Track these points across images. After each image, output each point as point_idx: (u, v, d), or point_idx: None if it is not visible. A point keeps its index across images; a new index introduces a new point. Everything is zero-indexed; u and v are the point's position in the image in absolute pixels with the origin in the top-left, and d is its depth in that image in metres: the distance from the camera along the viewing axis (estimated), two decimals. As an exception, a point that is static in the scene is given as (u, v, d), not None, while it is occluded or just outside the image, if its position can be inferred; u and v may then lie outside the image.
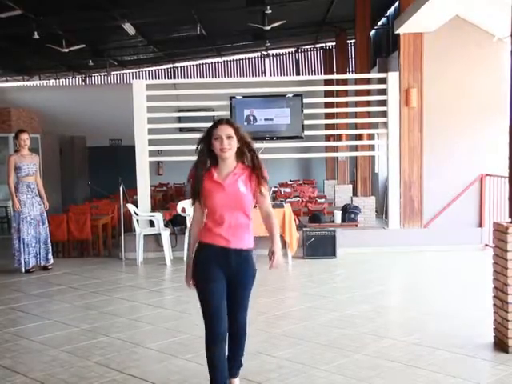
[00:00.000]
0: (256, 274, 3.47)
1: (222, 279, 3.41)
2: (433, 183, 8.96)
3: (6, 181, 7.98)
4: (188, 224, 8.38)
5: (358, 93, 11.19)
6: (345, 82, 12.42)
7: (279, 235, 3.56)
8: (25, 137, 7.95)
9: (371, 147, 11.51)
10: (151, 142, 9.13)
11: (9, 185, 7.88)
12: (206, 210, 3.45)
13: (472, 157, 9.09)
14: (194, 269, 3.45)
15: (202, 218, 3.49)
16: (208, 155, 3.40)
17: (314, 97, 10.29)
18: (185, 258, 3.82)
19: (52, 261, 8.17)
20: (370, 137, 12.65)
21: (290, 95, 9.29)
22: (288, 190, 15.23)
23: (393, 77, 8.98)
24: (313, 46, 21.69)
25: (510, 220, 4.61)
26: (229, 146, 3.33)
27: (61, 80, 22.30)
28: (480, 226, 9.03)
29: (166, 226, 8.76)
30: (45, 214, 8.14)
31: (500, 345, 4.50)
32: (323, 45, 20.79)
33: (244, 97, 9.27)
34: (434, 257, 8.38)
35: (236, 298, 3.47)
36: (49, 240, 8.15)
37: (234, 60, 22.95)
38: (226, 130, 3.34)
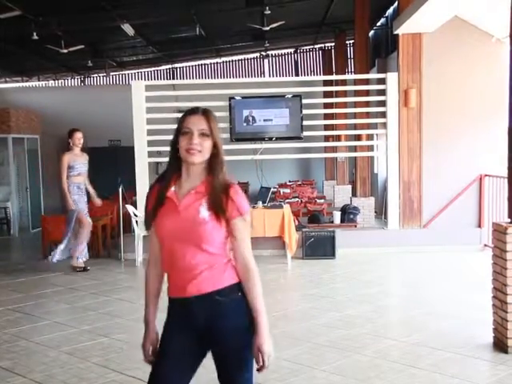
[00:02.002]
0: (248, 326, 2.30)
1: (184, 354, 2.35)
2: (432, 183, 8.96)
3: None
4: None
5: (357, 93, 11.18)
6: (344, 82, 12.39)
7: (262, 301, 2.31)
8: (79, 135, 7.85)
9: (370, 148, 11.51)
10: (150, 143, 9.13)
11: (62, 184, 7.73)
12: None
13: (471, 157, 9.09)
14: None
15: (159, 254, 2.45)
16: (174, 161, 2.39)
17: (313, 97, 10.30)
18: None
19: None
20: (369, 137, 12.65)
21: (289, 96, 9.29)
22: (287, 190, 15.23)
23: (392, 77, 8.99)
24: (312, 46, 21.69)
25: (509, 220, 4.62)
26: (200, 147, 2.29)
27: (60, 81, 22.29)
28: (479, 226, 9.04)
29: (165, 226, 8.74)
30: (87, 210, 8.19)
31: (499, 345, 4.50)
32: (322, 45, 20.80)
33: (243, 97, 9.27)
34: (433, 257, 8.38)
35: (223, 374, 2.35)
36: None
37: (233, 61, 22.94)
38: (199, 124, 2.31)
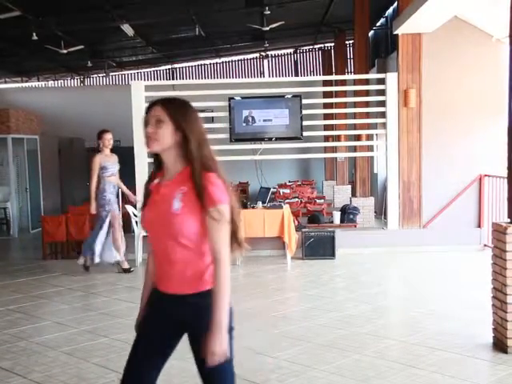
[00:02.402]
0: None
1: (157, 337, 2.46)
2: (432, 183, 8.96)
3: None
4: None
5: (356, 93, 11.19)
6: (343, 82, 12.40)
7: (224, 297, 2.22)
8: (109, 137, 7.84)
9: (370, 148, 11.52)
10: (150, 143, 9.12)
11: (91, 186, 7.72)
12: None
13: (471, 157, 9.09)
14: None
15: None
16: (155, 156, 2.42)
17: (313, 97, 10.30)
18: None
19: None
20: (369, 137, 12.65)
21: (289, 96, 9.29)
22: (287, 190, 15.23)
23: (391, 77, 8.99)
24: (311, 46, 21.70)
25: (508, 220, 4.62)
26: (155, 135, 2.27)
27: (59, 81, 22.30)
28: (479, 226, 9.04)
29: (164, 226, 8.74)
30: None
31: (499, 345, 4.50)
32: (322, 45, 20.81)
33: (243, 98, 9.27)
34: (433, 257, 8.38)
35: (200, 364, 2.37)
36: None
37: (232, 61, 22.95)
38: (155, 112, 2.30)
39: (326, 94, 13.61)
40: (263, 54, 21.90)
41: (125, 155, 9.11)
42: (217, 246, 2.24)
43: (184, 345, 4.87)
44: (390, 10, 14.95)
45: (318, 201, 13.02)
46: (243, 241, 2.36)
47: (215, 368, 2.27)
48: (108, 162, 7.79)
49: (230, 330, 2.30)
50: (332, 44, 19.03)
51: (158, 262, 2.39)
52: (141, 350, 2.47)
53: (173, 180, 2.31)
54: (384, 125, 9.22)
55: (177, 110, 2.31)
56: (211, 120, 12.06)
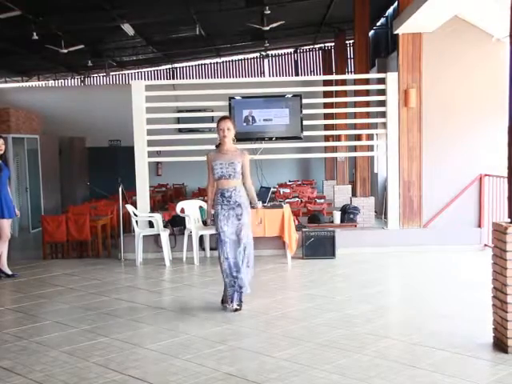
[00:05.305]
0: None
1: None
2: (432, 183, 8.96)
3: None
4: (187, 224, 8.40)
5: (357, 93, 11.19)
6: (344, 82, 12.42)
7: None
8: (224, 126, 5.71)
9: (370, 147, 11.52)
10: (150, 143, 9.13)
11: (206, 190, 6.15)
12: None
13: (471, 157, 9.10)
14: None
15: None
16: None
17: (313, 97, 10.29)
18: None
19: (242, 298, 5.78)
20: (369, 137, 12.66)
21: (289, 95, 9.29)
22: (287, 190, 15.23)
23: (392, 77, 8.99)
24: (312, 46, 21.71)
25: (509, 220, 4.61)
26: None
27: (60, 81, 22.31)
28: (479, 226, 9.04)
29: (165, 226, 8.76)
30: (242, 233, 5.64)
31: (499, 345, 4.50)
32: (322, 45, 20.82)
33: (243, 97, 9.27)
34: (433, 257, 8.38)
35: None
36: (244, 270, 5.54)
37: (233, 60, 22.96)
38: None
39: (327, 94, 13.61)
40: (263, 53, 21.89)
41: (125, 155, 9.11)
42: None
43: (184, 345, 4.88)
44: (391, 10, 14.95)
45: (318, 200, 13.02)
46: None
47: None
48: (216, 161, 5.71)
49: None
50: (332, 44, 19.04)
51: None
52: None
53: None
54: (384, 124, 9.22)
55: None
56: (211, 120, 12.08)
